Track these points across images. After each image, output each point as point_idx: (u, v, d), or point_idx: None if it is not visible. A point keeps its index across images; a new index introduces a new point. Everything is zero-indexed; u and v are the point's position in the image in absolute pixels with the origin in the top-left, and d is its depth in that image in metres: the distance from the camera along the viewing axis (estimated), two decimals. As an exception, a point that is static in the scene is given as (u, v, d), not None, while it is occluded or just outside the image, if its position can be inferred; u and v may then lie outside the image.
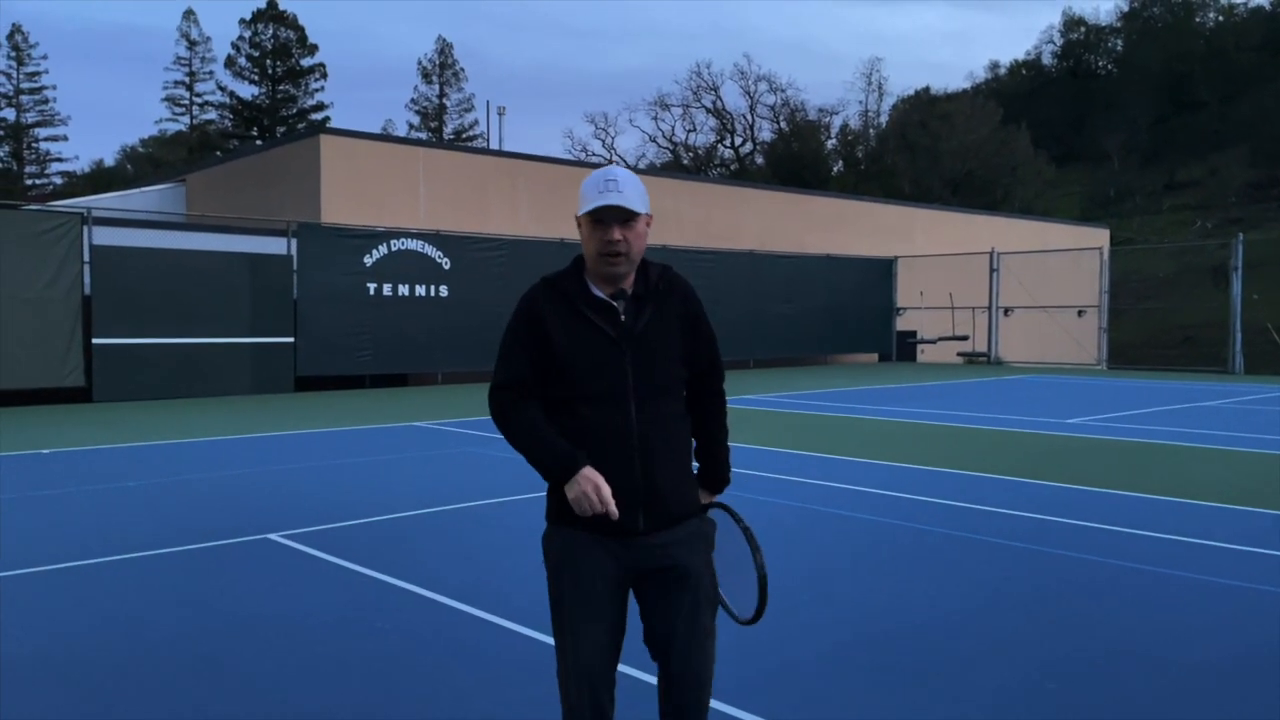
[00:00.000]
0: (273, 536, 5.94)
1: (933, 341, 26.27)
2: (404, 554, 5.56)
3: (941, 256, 27.08)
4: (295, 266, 16.61)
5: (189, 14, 68.78)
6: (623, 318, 2.41)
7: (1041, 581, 5.01)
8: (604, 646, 2.40)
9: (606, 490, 2.30)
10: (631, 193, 2.36)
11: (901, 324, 27.20)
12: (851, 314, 25.86)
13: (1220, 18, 79.57)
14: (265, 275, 16.32)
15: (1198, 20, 79.37)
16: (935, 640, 4.10)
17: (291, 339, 16.52)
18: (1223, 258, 23.63)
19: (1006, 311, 25.77)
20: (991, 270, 25.76)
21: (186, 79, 66.93)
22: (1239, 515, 6.59)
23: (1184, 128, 70.87)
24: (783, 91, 74.59)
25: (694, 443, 2.59)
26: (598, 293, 2.42)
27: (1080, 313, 25.19)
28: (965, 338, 25.90)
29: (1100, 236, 36.57)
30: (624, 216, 2.36)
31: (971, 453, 9.55)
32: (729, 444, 2.66)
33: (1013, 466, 8.62)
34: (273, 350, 16.36)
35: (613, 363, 2.37)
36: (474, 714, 3.40)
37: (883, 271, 27.06)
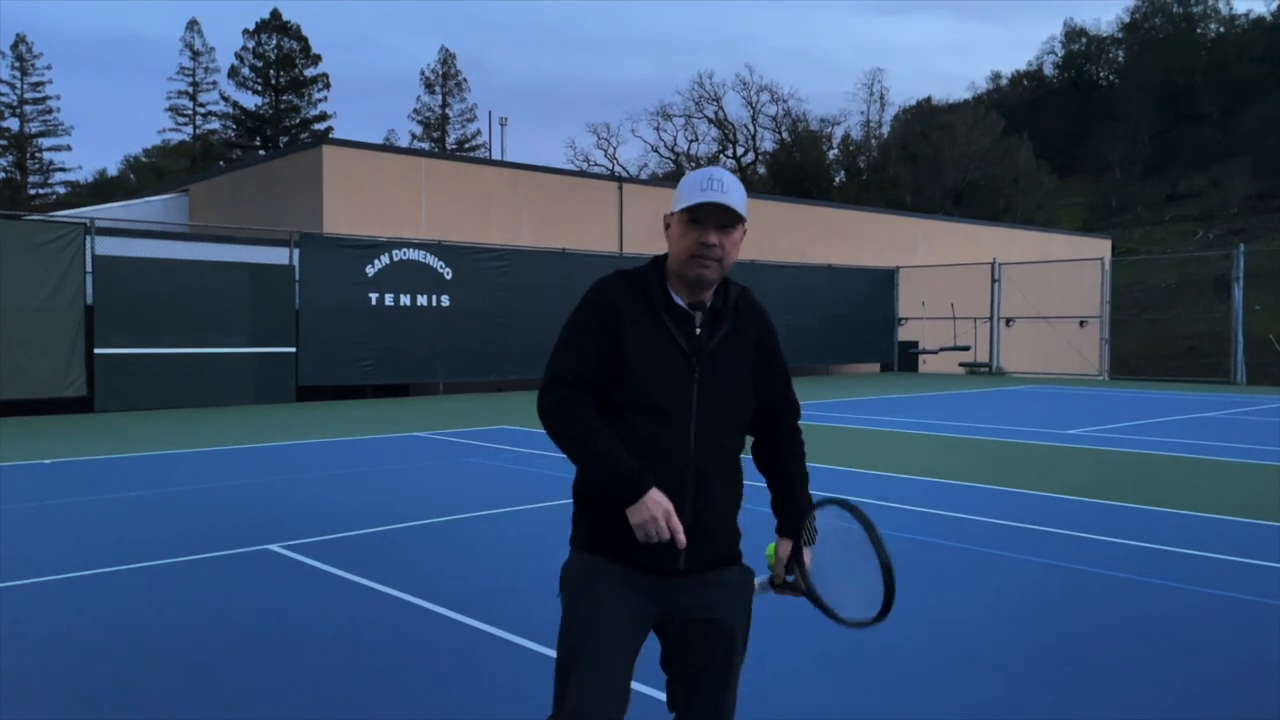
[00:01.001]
0: (273, 547, 5.94)
1: (934, 352, 26.26)
2: (405, 565, 5.55)
3: (943, 267, 27.11)
4: (297, 276, 16.64)
5: (192, 24, 69.38)
6: (698, 330, 2.24)
7: (1041, 593, 5.00)
8: (615, 695, 2.13)
9: (676, 518, 2.10)
10: (735, 196, 2.20)
11: (903, 334, 27.21)
12: (853, 324, 25.87)
13: (1221, 29, 79.75)
14: (267, 285, 16.34)
15: (1199, 31, 79.54)
16: (933, 651, 4.09)
17: (293, 349, 16.54)
18: (1224, 268, 23.65)
19: (1008, 322, 25.77)
20: (993, 280, 25.77)
21: (190, 89, 67.27)
22: (1241, 527, 6.58)
23: (1186, 138, 70.96)
24: (784, 102, 74.82)
25: (743, 492, 2.36)
26: (678, 299, 2.25)
27: (1082, 323, 25.19)
28: (967, 348, 25.89)
29: (1102, 247, 36.59)
30: (724, 220, 2.19)
31: (972, 464, 9.53)
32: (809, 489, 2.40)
33: (1013, 477, 8.61)
34: (274, 360, 16.38)
35: (680, 377, 2.19)
36: (474, 726, 3.39)
37: (884, 282, 27.08)
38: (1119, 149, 71.15)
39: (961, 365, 26.19)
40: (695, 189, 2.19)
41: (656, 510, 2.08)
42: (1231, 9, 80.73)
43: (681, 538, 2.10)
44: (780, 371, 2.38)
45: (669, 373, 2.19)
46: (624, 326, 2.20)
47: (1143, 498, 7.59)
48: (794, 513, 2.35)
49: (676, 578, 2.18)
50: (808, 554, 2.33)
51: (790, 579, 2.34)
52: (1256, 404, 16.38)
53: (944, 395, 18.51)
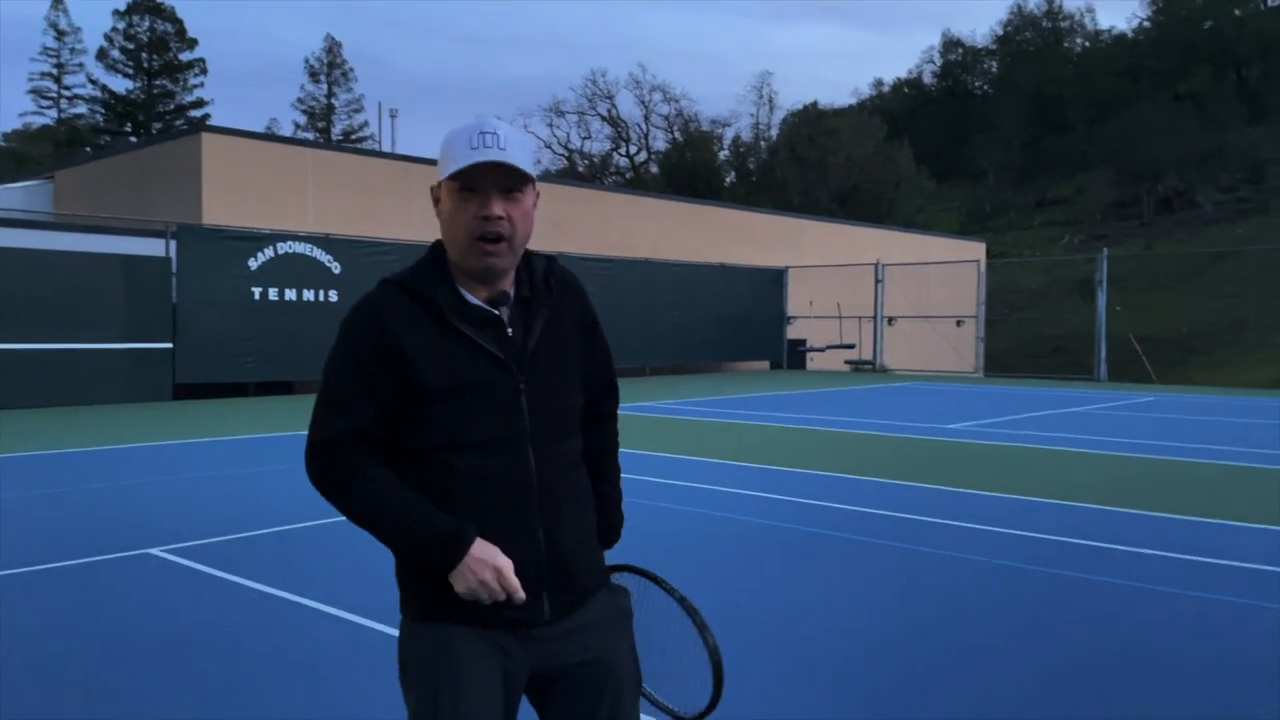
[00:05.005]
0: (154, 551, 5.71)
1: (821, 350, 26.96)
2: (294, 567, 5.42)
3: (830, 267, 27.85)
4: (174, 269, 15.96)
5: (58, 3, 65.48)
6: (509, 331, 1.78)
7: (924, 581, 5.21)
8: None
9: (508, 568, 1.69)
10: (516, 151, 1.72)
11: (792, 332, 27.83)
12: (744, 322, 26.33)
13: (1087, 44, 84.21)
14: (141, 278, 15.62)
15: (1066, 45, 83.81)
16: (826, 643, 4.22)
17: (170, 344, 15.87)
18: (1089, 272, 24.97)
19: (890, 321, 26.66)
20: (876, 281, 26.61)
21: (54, 70, 63.65)
22: (1105, 515, 6.99)
23: (1054, 148, 74.74)
24: (676, 102, 75.51)
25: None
26: (472, 298, 1.78)
27: (959, 322, 26.25)
28: (852, 346, 26.68)
29: (977, 250, 38.15)
30: (507, 183, 1.72)
31: (856, 457, 9.84)
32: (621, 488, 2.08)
33: (897, 470, 8.93)
34: (150, 356, 15.67)
35: (503, 396, 1.75)
36: (372, 728, 3.34)
37: (774, 281, 27.65)
38: (993, 156, 74.45)
39: (847, 363, 26.96)
40: (464, 148, 1.71)
41: (484, 572, 1.67)
42: (1096, 24, 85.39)
43: (520, 594, 1.70)
44: (602, 350, 1.97)
45: (488, 395, 1.74)
46: (408, 357, 1.73)
47: (1018, 488, 7.98)
48: (603, 515, 1.99)
49: (543, 628, 1.79)
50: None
51: None
52: (1118, 399, 17.38)
53: (830, 392, 19.03)
